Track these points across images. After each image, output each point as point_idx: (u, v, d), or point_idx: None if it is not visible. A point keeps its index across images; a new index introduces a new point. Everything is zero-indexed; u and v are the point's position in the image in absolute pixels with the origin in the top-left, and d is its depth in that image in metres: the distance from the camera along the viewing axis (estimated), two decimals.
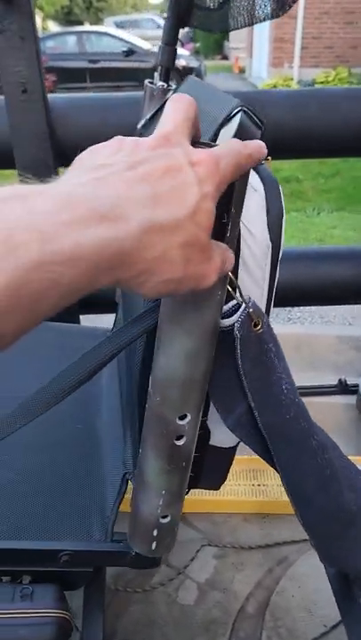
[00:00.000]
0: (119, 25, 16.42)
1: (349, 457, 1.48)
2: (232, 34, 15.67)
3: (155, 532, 0.65)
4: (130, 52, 10.50)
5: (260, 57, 11.07)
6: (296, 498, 0.70)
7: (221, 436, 0.75)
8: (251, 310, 0.53)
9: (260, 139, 0.60)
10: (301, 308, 2.89)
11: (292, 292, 1.76)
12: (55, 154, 1.39)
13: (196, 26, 1.03)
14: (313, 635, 1.04)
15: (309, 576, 1.14)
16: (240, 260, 0.66)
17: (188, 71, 10.66)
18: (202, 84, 0.77)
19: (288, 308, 2.88)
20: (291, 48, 9.94)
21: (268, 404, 0.59)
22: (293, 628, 1.05)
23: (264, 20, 0.99)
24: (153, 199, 0.33)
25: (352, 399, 1.52)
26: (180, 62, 10.82)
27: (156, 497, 0.62)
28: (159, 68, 1.05)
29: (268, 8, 0.94)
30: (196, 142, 0.48)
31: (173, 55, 1.05)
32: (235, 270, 0.66)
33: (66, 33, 11.83)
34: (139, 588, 1.11)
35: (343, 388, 1.59)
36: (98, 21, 28.16)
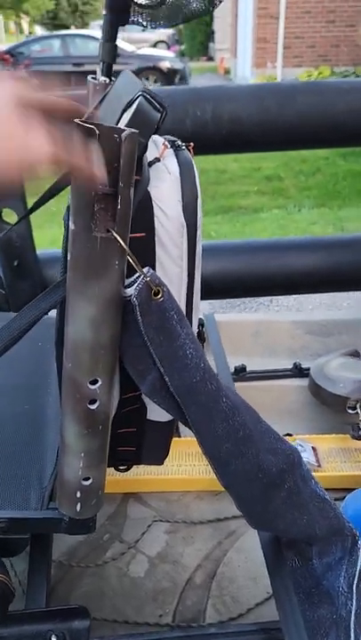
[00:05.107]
0: None
1: (301, 436, 1.53)
2: (218, 35, 15.68)
3: (78, 494, 0.69)
4: None
5: (243, 58, 11.08)
6: (214, 460, 0.74)
7: (158, 410, 0.78)
8: (148, 279, 0.57)
9: (161, 121, 0.65)
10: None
11: (261, 281, 1.81)
12: None
13: (134, 22, 1.07)
14: (256, 601, 1.09)
15: (256, 548, 1.17)
16: (155, 238, 0.71)
17: (172, 72, 10.68)
18: (131, 77, 0.83)
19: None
20: (273, 48, 9.95)
21: (174, 368, 0.64)
22: (238, 595, 1.10)
23: (200, 15, 1.04)
24: None
25: (305, 382, 1.58)
26: (165, 64, 10.81)
27: (75, 459, 0.67)
28: (101, 63, 1.10)
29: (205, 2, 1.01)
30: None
31: (114, 51, 1.10)
32: (148, 247, 0.71)
33: (51, 37, 11.87)
34: (91, 563, 1.16)
35: (298, 372, 1.65)
36: (84, 25, 28.34)
